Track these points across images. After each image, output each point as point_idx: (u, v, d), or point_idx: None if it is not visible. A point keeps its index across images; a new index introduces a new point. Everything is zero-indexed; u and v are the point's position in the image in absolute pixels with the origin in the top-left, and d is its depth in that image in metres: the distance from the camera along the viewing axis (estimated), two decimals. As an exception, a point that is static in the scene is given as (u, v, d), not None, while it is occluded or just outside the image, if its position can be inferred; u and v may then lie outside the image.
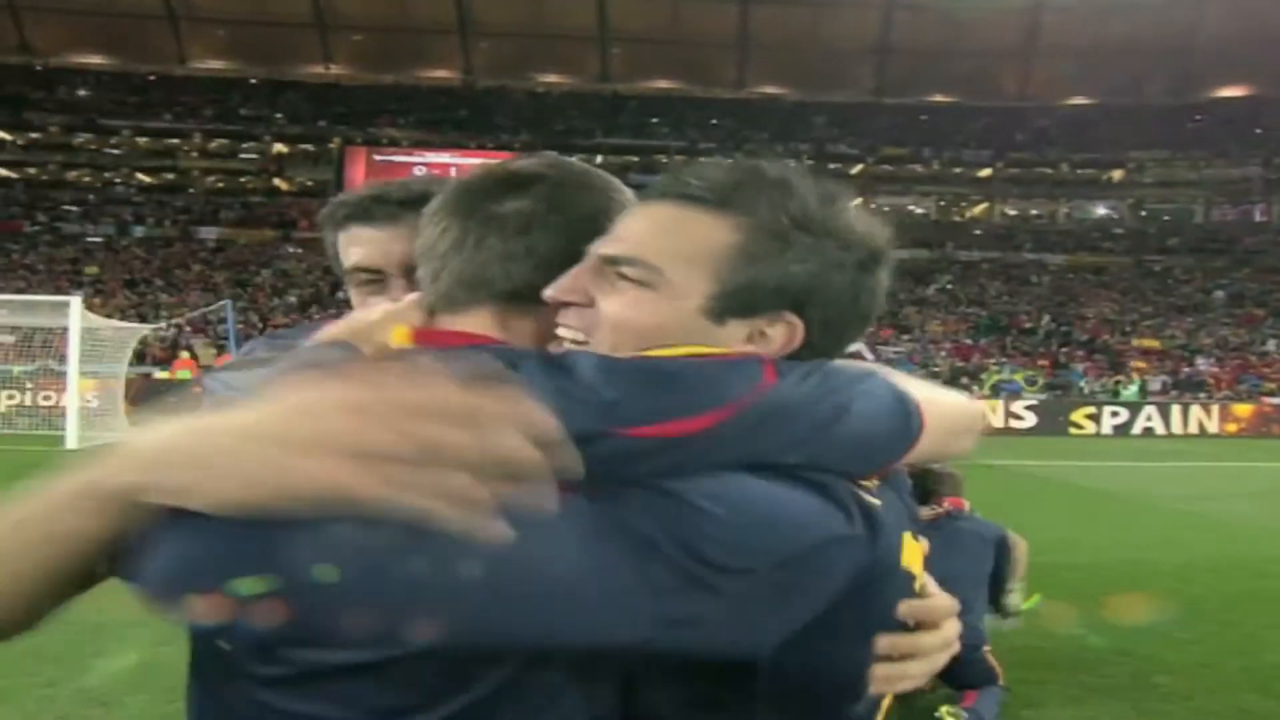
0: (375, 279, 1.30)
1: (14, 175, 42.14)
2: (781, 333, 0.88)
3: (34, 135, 42.58)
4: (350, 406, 0.65)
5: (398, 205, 1.28)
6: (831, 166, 45.90)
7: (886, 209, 45.38)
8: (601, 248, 0.89)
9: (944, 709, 3.69)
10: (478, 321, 0.95)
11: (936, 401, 0.94)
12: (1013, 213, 46.48)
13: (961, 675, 3.81)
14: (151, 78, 44.55)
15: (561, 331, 0.92)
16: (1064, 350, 30.86)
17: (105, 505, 0.68)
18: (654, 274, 0.86)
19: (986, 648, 3.98)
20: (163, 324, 25.00)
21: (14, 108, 41.30)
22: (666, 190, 0.91)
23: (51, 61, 43.65)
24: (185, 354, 24.00)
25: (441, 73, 47.06)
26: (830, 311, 0.89)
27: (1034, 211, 46.49)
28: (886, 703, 0.93)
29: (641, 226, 0.89)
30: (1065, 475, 13.64)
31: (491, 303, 0.95)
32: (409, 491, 0.62)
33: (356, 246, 1.33)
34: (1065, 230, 44.45)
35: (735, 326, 0.87)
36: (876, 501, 0.84)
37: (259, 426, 0.66)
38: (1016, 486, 11.08)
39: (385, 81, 45.99)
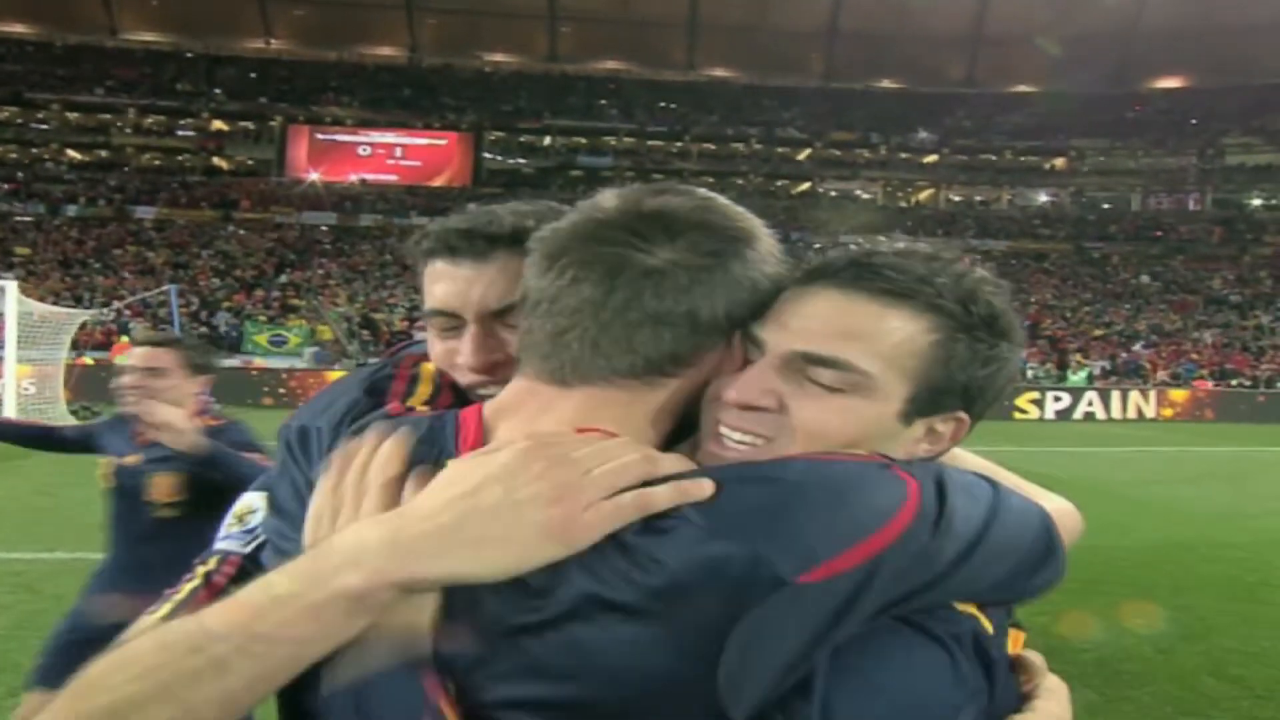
0: (454, 325, 1.10)
1: (-65, 150, 40.44)
2: (951, 429, 0.87)
3: (-45, 108, 40.86)
4: (547, 458, 0.74)
5: (487, 242, 1.07)
6: (780, 150, 46.16)
7: (834, 193, 45.77)
8: (795, 343, 0.82)
9: None
10: (607, 398, 0.83)
11: (1060, 517, 0.89)
12: (957, 198, 47.17)
13: None
14: (79, 48, 42.95)
15: (732, 434, 0.82)
16: (1007, 335, 31.40)
17: (371, 606, 0.71)
18: (863, 379, 0.81)
19: None
20: (106, 309, 24.18)
21: (-67, 79, 39.61)
22: (859, 278, 0.83)
23: (-28, 30, 41.89)
24: (124, 339, 23.23)
25: (386, 50, 46.16)
26: (989, 405, 0.89)
27: (978, 197, 47.23)
28: None
29: (840, 321, 0.82)
30: (1011, 460, 13.74)
31: (629, 375, 0.82)
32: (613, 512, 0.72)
33: (438, 285, 1.10)
34: (1008, 216, 45.22)
35: (917, 426, 0.85)
36: (990, 628, 0.80)
37: (492, 494, 0.73)
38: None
39: (328, 58, 44.96)
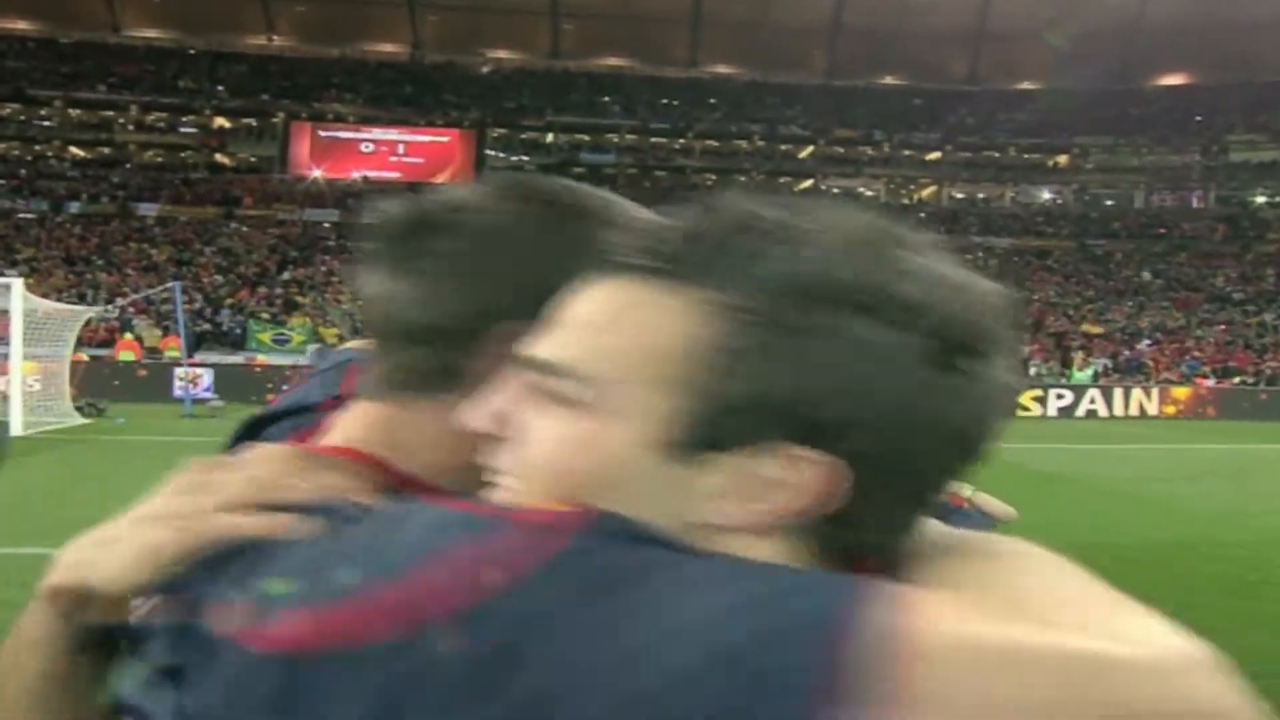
0: None
1: (-62, 147, 40.47)
2: (807, 479, 0.52)
3: (-43, 105, 40.89)
4: (184, 486, 0.65)
5: None
6: (782, 148, 46.13)
7: (837, 191, 45.75)
8: (528, 348, 0.59)
9: None
10: (384, 414, 0.73)
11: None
12: (960, 196, 47.12)
13: None
14: (81, 45, 42.97)
15: (491, 476, 0.61)
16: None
17: (60, 609, 0.67)
18: (589, 390, 0.56)
19: None
20: (111, 305, 24.23)
21: (-65, 76, 39.64)
22: (613, 257, 0.59)
23: (-26, 27, 41.90)
24: (128, 335, 23.29)
25: (388, 46, 46.14)
26: (886, 436, 0.53)
27: (981, 195, 47.17)
28: None
29: (581, 314, 0.58)
30: (1015, 457, 13.83)
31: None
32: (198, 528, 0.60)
33: None
34: (1011, 214, 45.18)
35: (711, 469, 0.54)
36: None
37: (146, 503, 0.66)
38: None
39: (330, 55, 44.94)
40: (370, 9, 45.11)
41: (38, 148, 41.40)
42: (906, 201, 46.70)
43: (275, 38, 45.31)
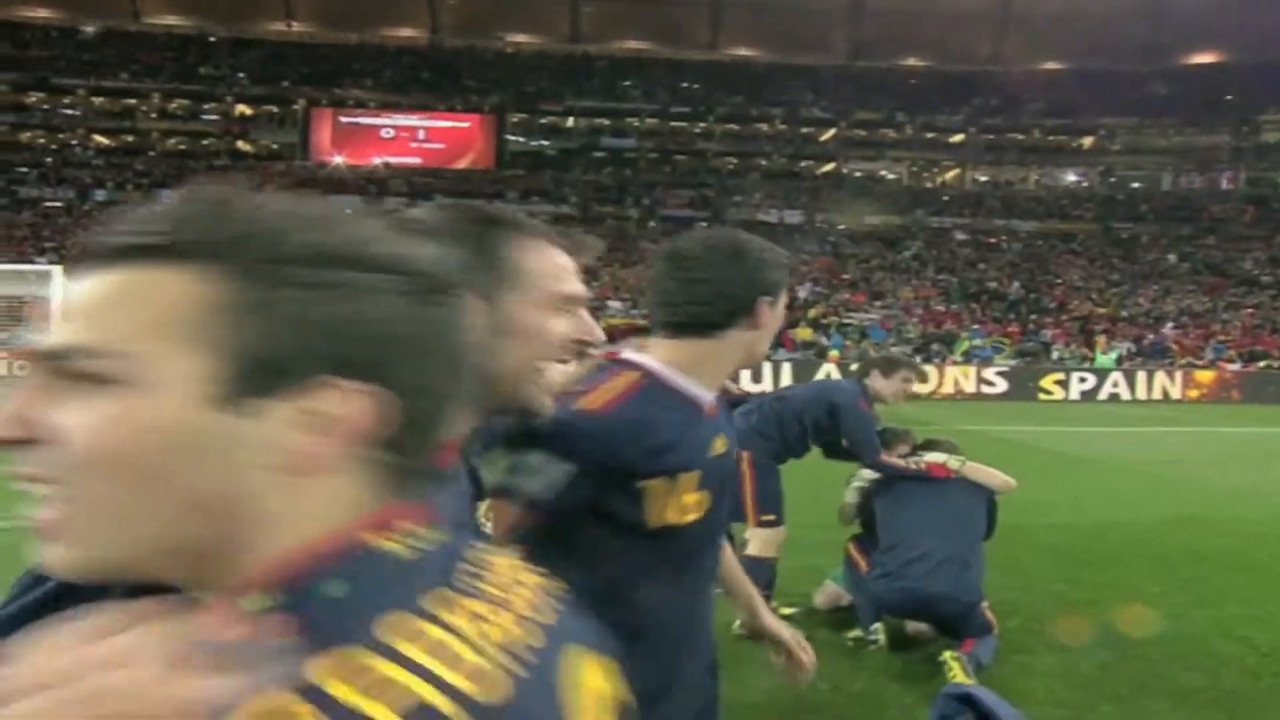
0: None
1: (-36, 136, 41.00)
2: (359, 408, 0.59)
3: (-17, 93, 41.38)
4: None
5: None
6: (804, 130, 45.81)
7: (859, 174, 45.41)
8: (42, 341, 0.59)
9: (947, 654, 3.89)
10: None
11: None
12: (984, 179, 46.62)
13: (964, 628, 4.12)
14: (104, 33, 43.32)
15: (25, 487, 0.59)
16: (1034, 317, 31.10)
17: None
18: (120, 363, 0.56)
19: (985, 603, 4.23)
20: None
21: (-40, 65, 40.11)
22: (101, 251, 0.59)
23: (-3, 15, 42.33)
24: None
25: (408, 31, 46.19)
26: (408, 362, 0.62)
27: (1005, 178, 46.65)
28: None
29: (88, 299, 0.58)
30: (1037, 440, 13.71)
31: None
32: None
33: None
34: (1035, 197, 44.65)
35: (267, 414, 0.58)
36: None
37: None
38: (990, 451, 11.11)
39: (350, 40, 45.06)
40: (389, -6, 45.20)
41: (62, 136, 41.84)
42: (929, 185, 46.30)
43: (295, 24, 45.47)
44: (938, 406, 19.21)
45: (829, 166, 46.02)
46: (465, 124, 43.23)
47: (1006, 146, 46.31)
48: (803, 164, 46.15)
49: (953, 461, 4.46)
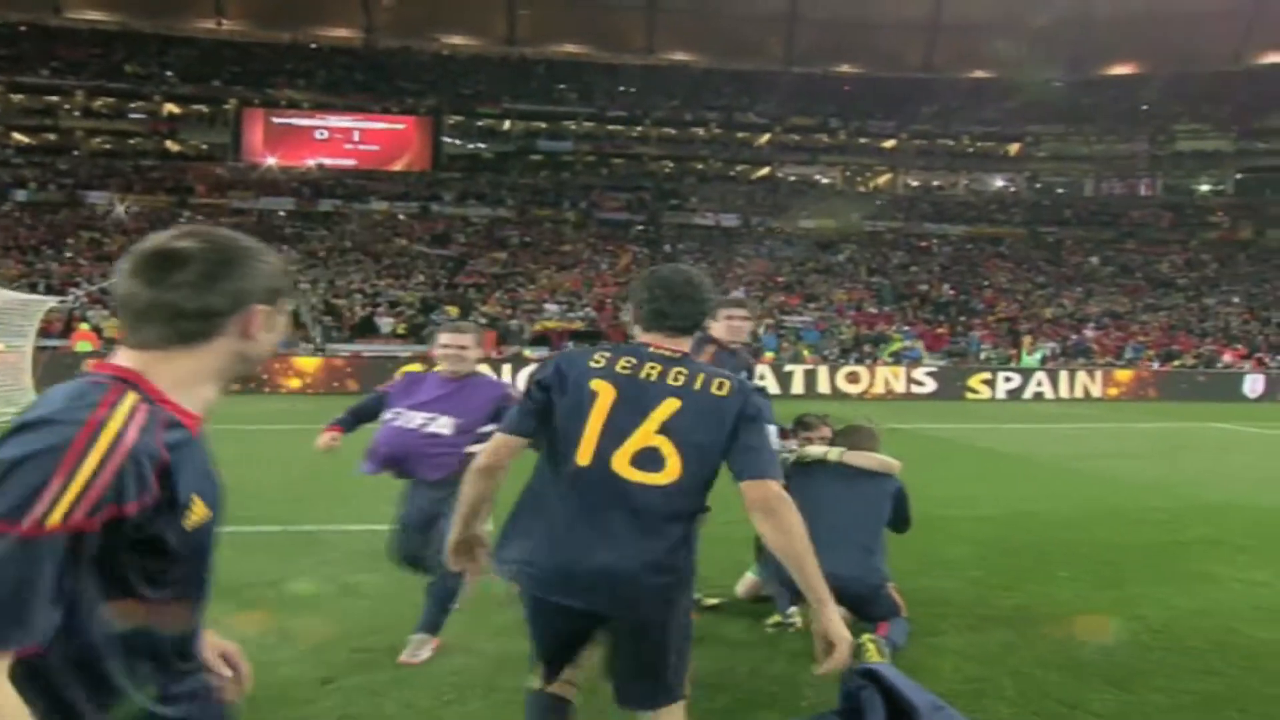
0: None
1: (-125, 132, 39.30)
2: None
3: (-105, 89, 39.73)
4: None
5: None
6: (740, 135, 46.31)
7: (793, 178, 46.04)
8: None
9: (865, 637, 3.99)
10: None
11: None
12: (915, 184, 47.69)
13: (873, 610, 4.25)
14: (23, 28, 41.89)
15: None
16: (962, 319, 31.89)
17: None
18: None
19: (891, 584, 4.36)
20: (72, 295, 23.73)
21: None
22: None
23: (-90, 9, 40.70)
24: (84, 325, 22.83)
25: (341, 31, 45.57)
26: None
27: (935, 183, 47.78)
28: None
29: None
30: (964, 437, 14.15)
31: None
32: None
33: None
34: (965, 201, 45.81)
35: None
36: None
37: None
38: (919, 448, 11.45)
39: (282, 39, 44.27)
40: (323, -7, 44.53)
41: (-21, 133, 40.38)
42: (862, 189, 47.15)
43: (225, 21, 44.54)
44: (868, 406, 19.62)
45: (764, 171, 46.60)
46: (401, 126, 42.80)
47: (937, 152, 47.44)
48: (738, 168, 46.67)
49: (832, 453, 4.57)
